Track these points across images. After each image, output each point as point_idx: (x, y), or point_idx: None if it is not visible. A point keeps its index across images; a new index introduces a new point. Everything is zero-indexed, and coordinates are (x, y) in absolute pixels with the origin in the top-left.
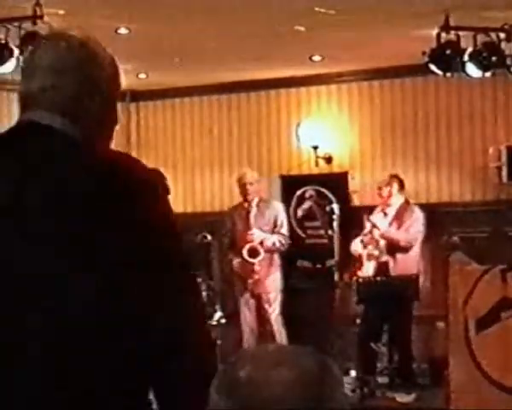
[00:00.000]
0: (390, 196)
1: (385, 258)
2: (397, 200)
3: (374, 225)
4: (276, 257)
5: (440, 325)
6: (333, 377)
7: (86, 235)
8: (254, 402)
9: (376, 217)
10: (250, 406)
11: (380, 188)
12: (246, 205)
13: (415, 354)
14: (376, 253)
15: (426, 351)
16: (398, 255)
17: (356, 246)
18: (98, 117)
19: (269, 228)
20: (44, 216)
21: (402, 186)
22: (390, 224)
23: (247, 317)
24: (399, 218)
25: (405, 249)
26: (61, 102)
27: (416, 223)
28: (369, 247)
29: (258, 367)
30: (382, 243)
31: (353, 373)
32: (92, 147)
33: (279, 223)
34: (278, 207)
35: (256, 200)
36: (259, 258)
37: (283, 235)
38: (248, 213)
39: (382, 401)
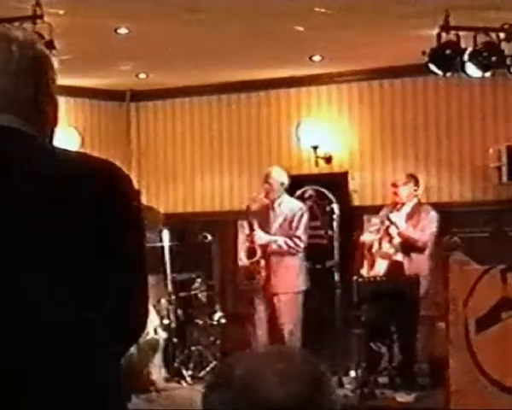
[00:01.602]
0: (415, 195)
1: (397, 257)
2: (413, 200)
3: (393, 224)
4: (292, 259)
5: (441, 325)
6: (325, 381)
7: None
8: (249, 400)
9: (395, 215)
10: (245, 403)
11: (395, 185)
12: (269, 204)
13: (415, 353)
14: (392, 251)
15: (426, 351)
16: (413, 255)
17: (368, 236)
18: (51, 117)
19: (283, 228)
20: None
21: (418, 186)
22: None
23: (260, 317)
24: (414, 217)
25: (421, 249)
26: (18, 104)
27: (431, 223)
28: (384, 244)
29: (253, 367)
30: (397, 241)
31: (353, 373)
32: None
33: (294, 224)
34: (296, 208)
35: (279, 199)
36: (255, 259)
37: (296, 237)
38: (269, 211)
39: (382, 401)
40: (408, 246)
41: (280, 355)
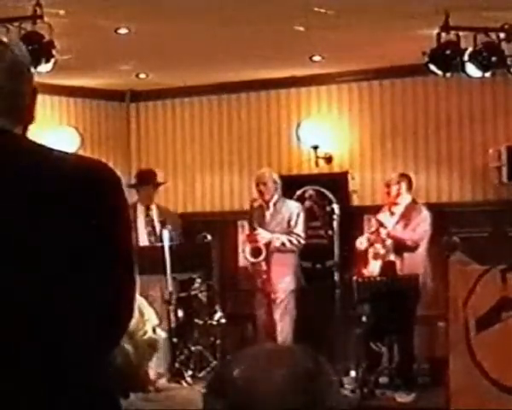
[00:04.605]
0: (399, 195)
1: (391, 257)
2: (404, 199)
3: (381, 224)
4: (291, 257)
5: (441, 324)
6: (327, 376)
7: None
8: (249, 401)
9: (383, 216)
10: (245, 405)
11: (388, 186)
12: (264, 204)
13: (415, 353)
14: (383, 251)
15: (426, 351)
16: (406, 255)
17: (361, 242)
18: (31, 116)
19: (281, 227)
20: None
21: (410, 185)
22: (397, 223)
23: (261, 316)
24: (406, 217)
25: (412, 249)
26: (3, 103)
27: (424, 223)
28: (376, 245)
29: (253, 367)
30: (389, 241)
31: (353, 373)
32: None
33: (292, 223)
34: (293, 207)
35: (274, 199)
36: (261, 258)
37: (296, 234)
38: (265, 212)
39: (382, 401)
40: (398, 246)
41: (281, 355)
